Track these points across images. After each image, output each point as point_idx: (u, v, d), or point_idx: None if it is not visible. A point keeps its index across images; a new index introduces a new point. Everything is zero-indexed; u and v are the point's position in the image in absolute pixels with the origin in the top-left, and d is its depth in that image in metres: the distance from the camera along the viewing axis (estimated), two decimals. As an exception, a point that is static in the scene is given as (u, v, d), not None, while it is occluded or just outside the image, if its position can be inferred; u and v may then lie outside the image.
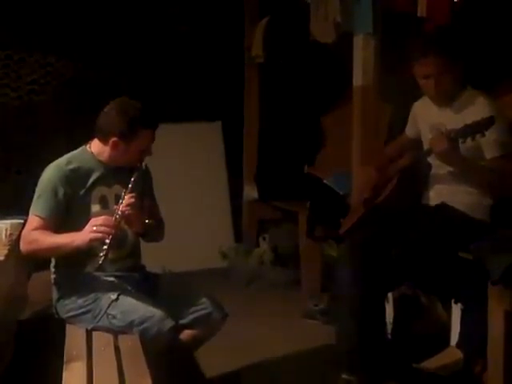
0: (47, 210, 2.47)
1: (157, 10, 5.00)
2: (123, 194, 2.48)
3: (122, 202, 2.46)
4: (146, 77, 4.90)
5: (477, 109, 2.76)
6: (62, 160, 2.56)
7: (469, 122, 2.64)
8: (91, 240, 2.38)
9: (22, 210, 2.61)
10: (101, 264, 2.38)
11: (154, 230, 2.69)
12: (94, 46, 4.82)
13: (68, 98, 4.81)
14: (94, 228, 2.37)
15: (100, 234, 2.37)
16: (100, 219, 2.39)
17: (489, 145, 2.74)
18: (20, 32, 4.65)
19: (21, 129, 4.74)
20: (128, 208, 2.44)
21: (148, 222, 2.61)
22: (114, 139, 2.52)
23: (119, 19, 4.85)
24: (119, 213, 2.43)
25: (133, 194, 2.47)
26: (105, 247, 2.36)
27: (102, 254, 2.36)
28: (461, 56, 2.86)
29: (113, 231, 2.38)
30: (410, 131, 3.23)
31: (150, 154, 2.62)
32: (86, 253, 2.47)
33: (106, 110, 2.57)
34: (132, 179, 2.50)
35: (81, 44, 4.79)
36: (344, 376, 2.72)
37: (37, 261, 2.86)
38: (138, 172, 2.54)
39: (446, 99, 2.89)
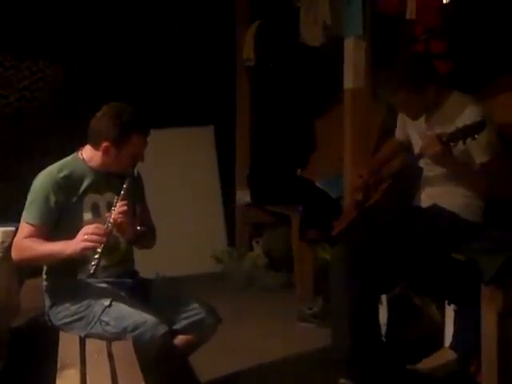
0: (39, 218, 2.46)
1: (148, 14, 5.01)
2: (115, 201, 2.47)
3: (114, 210, 2.44)
4: (138, 81, 4.90)
5: (465, 112, 2.77)
6: (53, 167, 2.55)
7: (459, 125, 2.65)
8: (83, 249, 2.35)
9: (14, 217, 2.59)
10: (93, 272, 2.36)
11: (146, 237, 2.69)
12: (85, 52, 4.82)
13: (59, 104, 4.81)
14: (86, 237, 2.34)
15: (91, 244, 2.34)
16: (91, 228, 2.37)
17: (478, 148, 2.75)
18: (11, 38, 4.64)
19: (12, 135, 4.73)
20: (120, 216, 2.43)
21: (140, 229, 2.60)
22: (106, 144, 2.51)
23: (110, 24, 4.85)
24: (111, 221, 2.42)
25: (125, 202, 2.46)
26: (96, 256, 2.34)
27: (93, 264, 2.35)
28: (426, 81, 2.86)
29: (104, 240, 2.35)
30: (399, 134, 3.24)
31: (142, 161, 2.61)
32: (78, 260, 2.46)
33: (98, 114, 2.56)
34: (124, 186, 2.49)
35: (72, 49, 4.79)
36: (341, 381, 2.72)
37: (29, 268, 2.85)
38: (129, 178, 2.53)
39: (425, 112, 2.93)
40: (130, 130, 2.50)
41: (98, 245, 2.34)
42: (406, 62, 3.11)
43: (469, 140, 2.64)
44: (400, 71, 2.96)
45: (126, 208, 2.44)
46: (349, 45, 3.70)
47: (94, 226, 2.38)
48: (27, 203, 2.50)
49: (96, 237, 2.34)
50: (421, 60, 3.07)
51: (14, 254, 2.49)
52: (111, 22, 4.86)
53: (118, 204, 2.45)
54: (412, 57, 3.34)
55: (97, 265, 2.34)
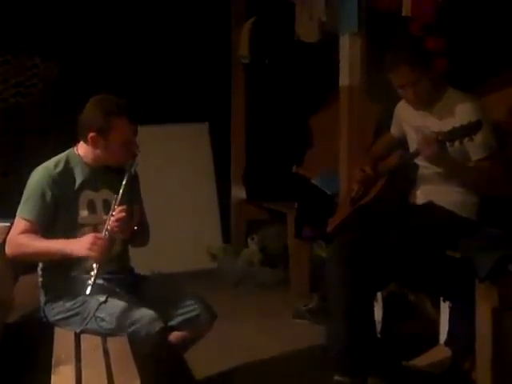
0: (34, 214, 2.45)
1: (143, 10, 4.99)
2: (113, 205, 2.44)
3: (112, 215, 2.43)
4: (133, 78, 4.89)
5: (462, 111, 2.78)
6: (50, 163, 2.54)
7: (456, 124, 2.65)
8: (86, 256, 2.38)
9: (10, 213, 2.58)
10: (92, 285, 2.35)
11: (141, 236, 2.69)
12: (80, 47, 4.80)
13: (54, 99, 4.79)
14: (91, 246, 2.34)
15: (95, 254, 2.35)
16: (99, 241, 2.36)
17: (475, 146, 2.76)
18: (5, 34, 4.62)
19: (7, 131, 4.71)
20: (117, 224, 2.40)
21: (136, 228, 2.60)
22: (92, 134, 2.49)
23: (105, 20, 4.84)
24: (109, 228, 2.40)
25: (123, 207, 2.43)
26: (93, 273, 2.35)
27: (90, 282, 2.35)
28: (432, 61, 2.87)
29: (105, 254, 2.37)
30: (394, 131, 3.24)
31: (136, 150, 2.57)
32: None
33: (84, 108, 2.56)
34: (123, 183, 2.46)
35: (67, 45, 4.77)
36: (336, 377, 2.72)
37: (24, 264, 2.84)
38: (127, 177, 2.49)
39: (426, 103, 2.91)
40: (112, 115, 2.47)
41: (100, 257, 2.35)
42: (409, 39, 3.11)
43: (465, 140, 2.64)
44: (406, 46, 2.96)
45: (124, 214, 2.42)
46: (344, 42, 3.70)
47: (101, 240, 2.37)
48: (23, 198, 2.49)
49: (99, 252, 2.35)
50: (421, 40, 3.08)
51: (10, 250, 2.48)
52: (106, 18, 4.84)
53: (116, 208, 2.42)
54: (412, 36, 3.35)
55: (93, 285, 2.35)
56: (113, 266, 2.60)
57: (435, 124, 2.85)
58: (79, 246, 2.37)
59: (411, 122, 3.04)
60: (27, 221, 2.45)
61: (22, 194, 2.51)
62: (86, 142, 2.54)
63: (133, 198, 2.68)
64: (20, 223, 2.46)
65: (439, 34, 3.38)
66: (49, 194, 2.46)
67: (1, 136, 4.67)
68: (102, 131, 2.49)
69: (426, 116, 2.93)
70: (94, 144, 2.51)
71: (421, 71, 2.81)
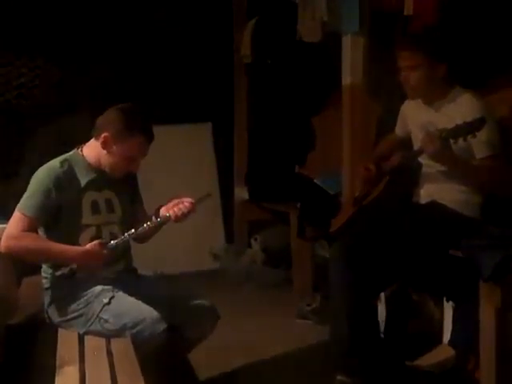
0: (36, 210, 2.45)
1: (145, 11, 4.99)
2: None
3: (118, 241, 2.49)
4: (135, 79, 4.89)
5: (467, 109, 2.78)
6: (55, 162, 2.53)
7: (459, 122, 2.65)
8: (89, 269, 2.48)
9: (10, 215, 2.57)
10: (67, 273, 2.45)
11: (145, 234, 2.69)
12: (82, 49, 4.80)
13: (56, 101, 4.79)
14: (92, 262, 2.45)
15: (94, 267, 2.48)
16: (97, 255, 2.45)
17: (479, 145, 2.75)
18: (7, 35, 4.63)
19: (9, 132, 4.71)
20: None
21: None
22: (106, 135, 2.49)
23: (107, 21, 4.84)
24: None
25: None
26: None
27: (65, 270, 2.45)
28: (441, 56, 2.88)
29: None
30: (399, 131, 3.24)
31: (135, 170, 2.63)
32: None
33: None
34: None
35: (69, 47, 4.77)
36: (339, 377, 2.72)
37: (28, 265, 2.84)
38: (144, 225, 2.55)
39: (424, 95, 2.91)
40: (135, 129, 2.49)
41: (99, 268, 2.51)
42: (428, 29, 3.14)
43: (469, 137, 2.64)
44: (420, 33, 2.98)
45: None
46: (346, 41, 3.70)
47: (102, 253, 2.45)
48: (26, 194, 2.48)
49: (99, 264, 2.47)
50: None
51: (8, 245, 2.44)
52: (108, 19, 4.85)
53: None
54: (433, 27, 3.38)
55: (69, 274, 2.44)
56: (116, 266, 2.62)
57: (440, 121, 2.85)
58: (81, 257, 2.42)
59: (417, 119, 3.03)
60: (28, 217, 2.44)
61: (23, 195, 2.51)
62: (97, 139, 2.54)
63: (134, 198, 2.69)
64: (19, 218, 2.45)
65: (441, 33, 3.38)
66: (53, 194, 2.46)
67: (2, 137, 4.67)
68: (117, 137, 2.49)
69: (432, 113, 2.93)
70: (103, 144, 2.51)
71: (424, 56, 2.82)
